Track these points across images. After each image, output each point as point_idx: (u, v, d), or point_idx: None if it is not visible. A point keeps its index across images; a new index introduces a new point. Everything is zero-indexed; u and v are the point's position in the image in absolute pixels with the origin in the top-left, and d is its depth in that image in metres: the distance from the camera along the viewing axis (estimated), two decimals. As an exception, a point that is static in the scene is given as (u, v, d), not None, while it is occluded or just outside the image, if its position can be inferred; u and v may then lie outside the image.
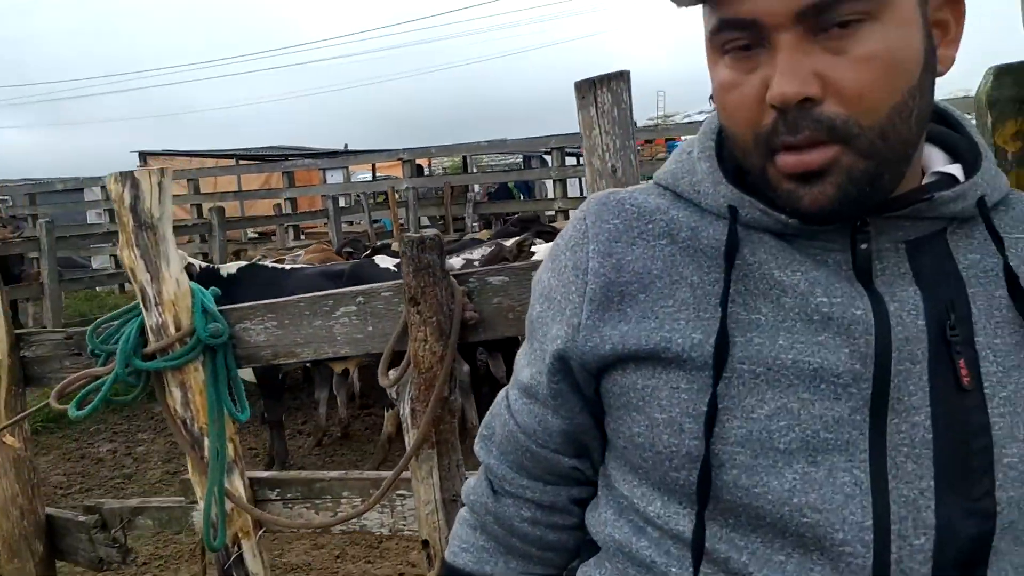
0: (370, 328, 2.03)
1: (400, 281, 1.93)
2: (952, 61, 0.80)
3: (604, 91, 1.66)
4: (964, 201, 0.80)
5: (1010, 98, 1.32)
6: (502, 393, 1.05)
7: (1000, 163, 1.34)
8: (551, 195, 13.44)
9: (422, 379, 1.90)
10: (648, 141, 15.93)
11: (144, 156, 20.20)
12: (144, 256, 2.12)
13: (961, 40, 0.81)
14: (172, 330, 2.15)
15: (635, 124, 1.69)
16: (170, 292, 2.14)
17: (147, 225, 2.11)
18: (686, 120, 16.57)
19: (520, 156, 19.59)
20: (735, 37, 0.76)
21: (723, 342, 0.79)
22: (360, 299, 2.04)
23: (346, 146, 20.83)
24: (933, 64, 0.78)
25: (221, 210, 10.99)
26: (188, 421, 2.21)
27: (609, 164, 1.67)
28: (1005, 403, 0.76)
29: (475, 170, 18.13)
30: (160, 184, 2.11)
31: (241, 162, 18.55)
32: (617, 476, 0.93)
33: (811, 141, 0.73)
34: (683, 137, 15.29)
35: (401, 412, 2.00)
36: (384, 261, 6.04)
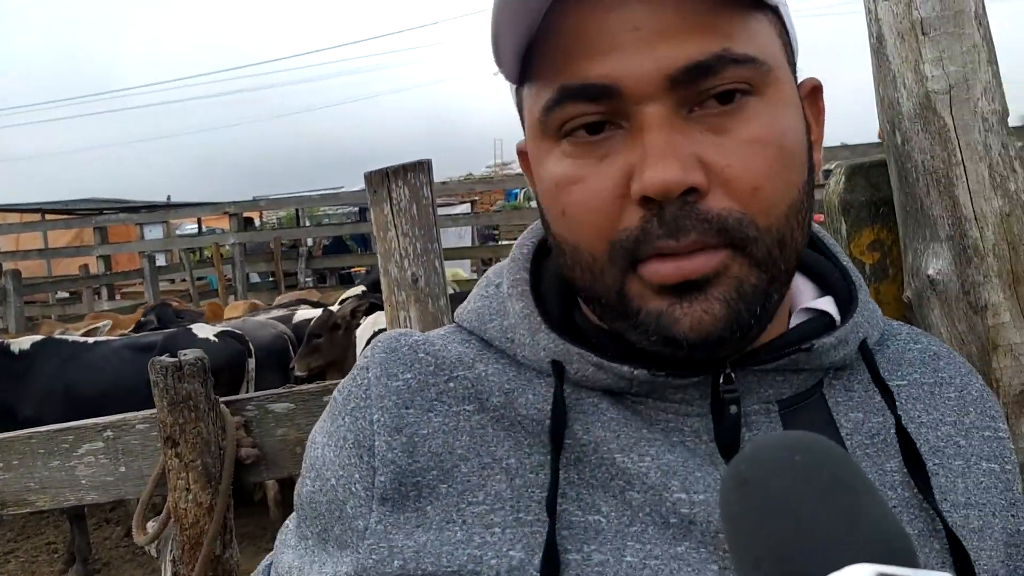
0: (123, 469, 1.63)
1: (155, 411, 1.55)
2: (820, 166, 0.65)
3: (400, 185, 1.37)
4: (846, 347, 0.65)
5: (866, 202, 1.13)
6: (264, 564, 0.80)
7: (855, 278, 1.16)
8: (387, 248, 13.09)
9: (186, 536, 1.51)
10: (485, 192, 15.98)
11: (-66, 211, 18.29)
12: None
13: (822, 144, 0.67)
14: None
15: (436, 217, 1.41)
16: None
17: None
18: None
19: (356, 208, 19.11)
20: (583, 112, 0.57)
21: (552, 564, 0.59)
22: (108, 433, 1.63)
23: (169, 198, 19.68)
24: (813, 163, 0.63)
25: (17, 273, 9.95)
26: None
27: (409, 272, 1.37)
28: None
29: (307, 223, 17.53)
30: None
31: (48, 217, 17.08)
32: None
33: (699, 246, 0.56)
34: (522, 188, 15.41)
35: (162, 573, 1.61)
36: (203, 330, 5.50)
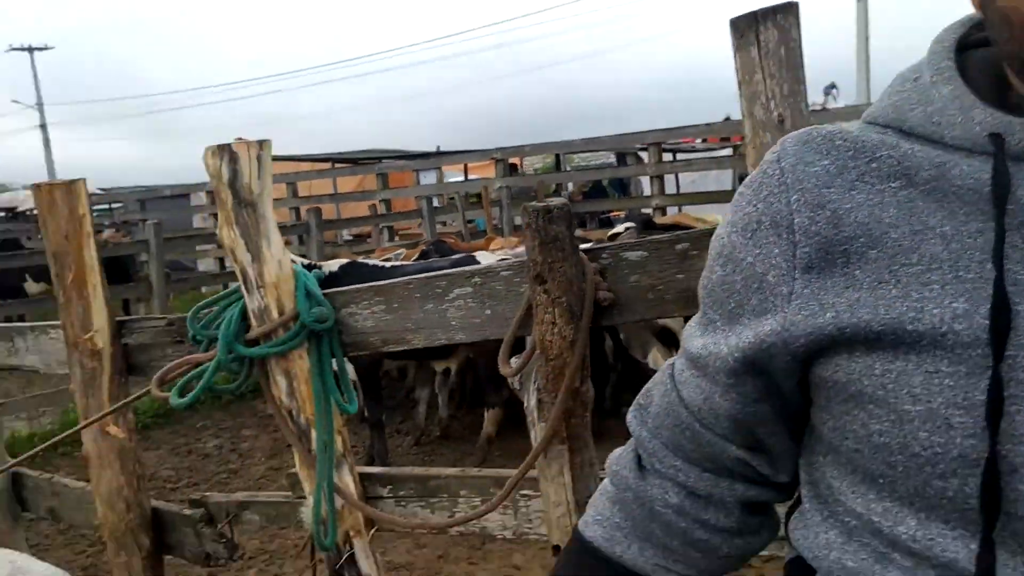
0: (488, 312, 1.83)
1: (522, 259, 1.72)
2: None
3: (768, 27, 1.41)
4: None
5: None
6: (668, 362, 0.90)
7: None
8: (647, 192, 13.11)
9: (551, 367, 1.68)
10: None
11: (244, 161, 20.61)
12: (244, 235, 1.97)
13: None
14: (275, 314, 1.99)
15: (803, 59, 1.44)
16: (272, 274, 1.99)
17: (246, 202, 1.97)
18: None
19: (612, 155, 19.24)
20: None
21: (1003, 311, 0.61)
22: (476, 279, 1.84)
23: (438, 148, 20.87)
24: None
25: (318, 211, 11.12)
26: (294, 412, 2.06)
27: (775, 113, 1.42)
28: None
29: (568, 169, 17.90)
30: (259, 158, 1.95)
31: (336, 165, 18.78)
32: (841, 487, 0.74)
33: None
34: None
35: (526, 404, 1.80)
36: (486, 258, 5.92)
